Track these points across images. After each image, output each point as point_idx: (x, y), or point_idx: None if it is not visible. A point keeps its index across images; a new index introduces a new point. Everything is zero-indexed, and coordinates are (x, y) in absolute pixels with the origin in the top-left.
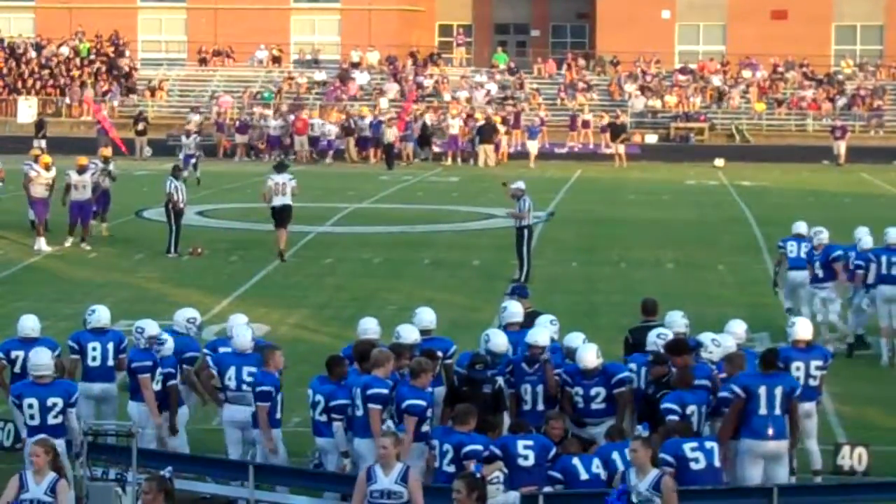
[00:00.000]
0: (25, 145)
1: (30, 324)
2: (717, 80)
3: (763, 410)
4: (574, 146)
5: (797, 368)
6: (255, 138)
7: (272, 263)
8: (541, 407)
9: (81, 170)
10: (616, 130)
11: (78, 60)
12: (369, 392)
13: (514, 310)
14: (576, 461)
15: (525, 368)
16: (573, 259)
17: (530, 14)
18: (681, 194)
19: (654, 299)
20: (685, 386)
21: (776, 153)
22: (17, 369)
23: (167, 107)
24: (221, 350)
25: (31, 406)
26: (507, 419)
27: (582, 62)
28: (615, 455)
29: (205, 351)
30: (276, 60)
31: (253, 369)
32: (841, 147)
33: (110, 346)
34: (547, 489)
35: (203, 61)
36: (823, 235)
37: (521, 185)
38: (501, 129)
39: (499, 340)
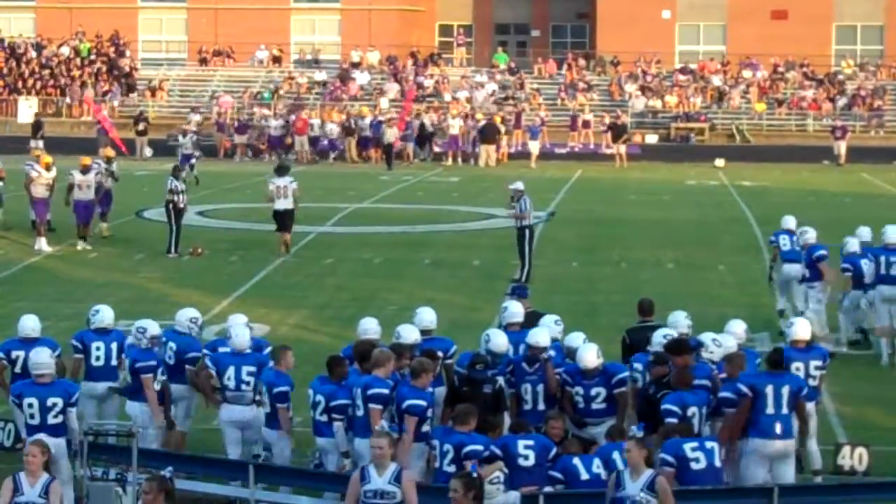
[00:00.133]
0: (25, 145)
1: (30, 324)
2: (717, 81)
3: (770, 410)
4: (574, 146)
5: (796, 369)
6: (255, 138)
7: (272, 263)
8: (541, 407)
9: (85, 170)
10: (618, 131)
11: (78, 60)
12: (370, 392)
13: (515, 310)
14: (576, 461)
15: (525, 368)
16: (574, 259)
17: (530, 14)
18: (681, 194)
19: (650, 299)
20: (684, 386)
21: (776, 153)
22: (17, 369)
23: (167, 107)
24: (220, 350)
25: (31, 406)
26: (507, 419)
27: (582, 62)
28: (616, 455)
29: (204, 351)
30: (276, 60)
31: (252, 369)
32: (841, 147)
33: (114, 346)
34: (547, 489)
35: (203, 61)
36: (809, 235)
37: (519, 185)
38: (502, 129)
39: (499, 340)
